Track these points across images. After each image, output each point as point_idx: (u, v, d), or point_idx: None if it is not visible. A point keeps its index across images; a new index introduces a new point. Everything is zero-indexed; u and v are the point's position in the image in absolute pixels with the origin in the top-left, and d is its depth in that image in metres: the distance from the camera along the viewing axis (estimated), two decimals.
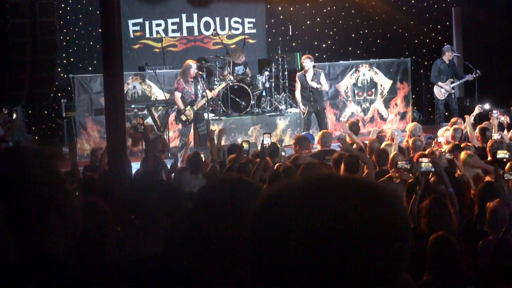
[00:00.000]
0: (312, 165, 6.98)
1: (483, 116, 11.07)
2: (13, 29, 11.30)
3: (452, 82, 14.53)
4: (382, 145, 8.85)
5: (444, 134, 9.95)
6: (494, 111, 10.22)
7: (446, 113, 14.98)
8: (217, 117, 13.45)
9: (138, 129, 8.17)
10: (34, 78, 12.08)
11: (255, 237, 1.21)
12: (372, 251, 1.15)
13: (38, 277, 1.73)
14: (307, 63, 13.02)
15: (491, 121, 10.05)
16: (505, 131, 10.31)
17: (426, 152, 7.90)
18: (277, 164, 7.70)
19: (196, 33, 15.94)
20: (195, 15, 15.89)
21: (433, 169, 6.15)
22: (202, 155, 8.54)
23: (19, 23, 11.39)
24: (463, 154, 7.41)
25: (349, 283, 1.14)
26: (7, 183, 1.83)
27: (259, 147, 8.64)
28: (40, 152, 1.92)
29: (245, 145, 8.05)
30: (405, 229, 1.21)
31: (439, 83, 14.48)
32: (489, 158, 7.97)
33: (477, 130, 9.66)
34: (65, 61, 14.98)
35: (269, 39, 16.70)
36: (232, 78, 13.21)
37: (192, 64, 12.26)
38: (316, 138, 10.05)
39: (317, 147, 9.81)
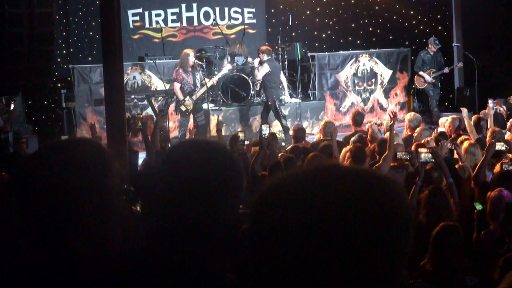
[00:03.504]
0: (318, 156, 7.00)
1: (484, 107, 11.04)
2: (10, 19, 11.28)
3: (434, 73, 14.60)
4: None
5: (445, 124, 9.94)
6: (490, 101, 10.21)
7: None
8: (217, 108, 13.43)
9: (137, 126, 8.20)
10: (31, 69, 12.06)
11: (258, 226, 1.21)
12: (374, 242, 1.15)
13: (58, 277, 1.70)
14: (264, 57, 12.83)
15: (487, 111, 10.04)
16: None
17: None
18: (279, 154, 7.72)
19: (195, 23, 15.90)
20: (194, 5, 15.84)
21: (432, 160, 6.14)
22: None
23: (16, 14, 11.37)
24: (466, 144, 7.40)
25: (351, 274, 1.14)
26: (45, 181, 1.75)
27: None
28: (102, 156, 1.83)
29: (241, 135, 8.06)
30: (407, 220, 1.21)
31: (420, 73, 14.61)
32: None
33: (472, 121, 9.66)
34: (64, 52, 14.95)
35: (269, 29, 16.67)
36: (230, 67, 13.17)
37: (190, 53, 12.21)
38: (317, 128, 10.07)
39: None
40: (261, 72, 12.65)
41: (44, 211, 1.74)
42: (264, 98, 13.09)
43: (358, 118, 10.25)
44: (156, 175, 1.72)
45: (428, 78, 14.57)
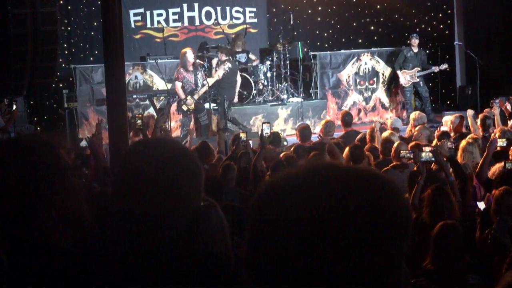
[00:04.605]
0: (320, 155, 7.01)
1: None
2: (14, 20, 11.28)
3: (418, 71, 14.59)
4: (386, 134, 8.81)
5: (448, 123, 9.93)
6: (496, 101, 10.18)
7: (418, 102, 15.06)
8: (219, 107, 13.42)
9: (137, 126, 8.21)
10: (36, 69, 12.06)
11: (256, 224, 1.21)
12: (372, 240, 1.15)
13: (32, 266, 1.72)
14: (223, 57, 12.78)
15: (492, 110, 10.01)
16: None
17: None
18: (282, 154, 7.71)
19: (197, 22, 15.91)
20: (196, 5, 15.85)
21: (433, 159, 6.15)
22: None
23: (20, 14, 11.37)
24: (463, 142, 7.39)
25: (349, 271, 1.14)
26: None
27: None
28: (41, 142, 1.89)
29: (243, 135, 8.05)
30: (405, 218, 1.21)
31: (404, 70, 14.62)
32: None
33: (478, 120, 9.64)
34: (66, 52, 14.97)
35: (271, 29, 16.67)
36: (229, 65, 13.15)
37: (187, 51, 12.13)
38: (319, 127, 10.10)
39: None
40: (220, 71, 12.59)
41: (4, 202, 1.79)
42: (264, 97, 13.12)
43: (347, 119, 10.27)
44: (116, 172, 1.81)
45: (408, 78, 14.63)
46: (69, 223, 1.81)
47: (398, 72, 14.83)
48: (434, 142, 8.08)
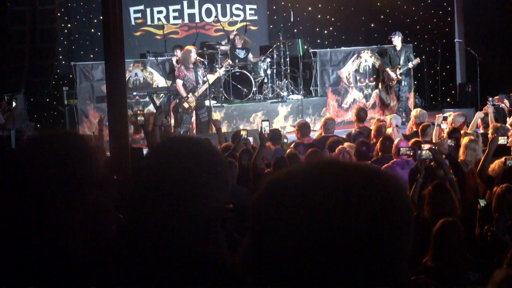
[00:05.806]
0: (318, 152, 7.02)
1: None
2: (12, 17, 11.28)
3: (400, 69, 14.53)
4: (390, 130, 8.80)
5: (447, 120, 9.93)
6: (490, 98, 10.20)
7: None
8: (219, 104, 13.43)
9: (138, 122, 8.21)
10: (34, 66, 12.06)
11: (258, 222, 1.21)
12: (374, 236, 1.15)
13: (40, 267, 1.71)
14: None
15: (486, 107, 10.03)
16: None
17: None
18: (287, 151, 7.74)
19: (197, 20, 15.89)
20: (196, 2, 15.83)
21: (432, 157, 6.15)
22: None
23: (19, 11, 11.37)
24: (466, 139, 7.39)
25: (351, 267, 1.14)
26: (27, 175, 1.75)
27: None
28: (76, 148, 1.82)
29: (243, 133, 8.06)
30: (408, 215, 1.21)
31: (387, 69, 14.58)
32: None
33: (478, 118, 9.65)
34: (66, 49, 14.96)
35: (271, 26, 16.65)
36: (230, 62, 13.15)
37: (192, 49, 12.23)
38: (319, 124, 10.10)
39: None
40: (221, 69, 12.62)
41: (19, 204, 1.73)
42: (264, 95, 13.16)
43: (362, 115, 10.21)
44: (142, 167, 1.77)
45: (392, 75, 14.57)
46: (92, 229, 1.76)
47: (387, 70, 14.81)
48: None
